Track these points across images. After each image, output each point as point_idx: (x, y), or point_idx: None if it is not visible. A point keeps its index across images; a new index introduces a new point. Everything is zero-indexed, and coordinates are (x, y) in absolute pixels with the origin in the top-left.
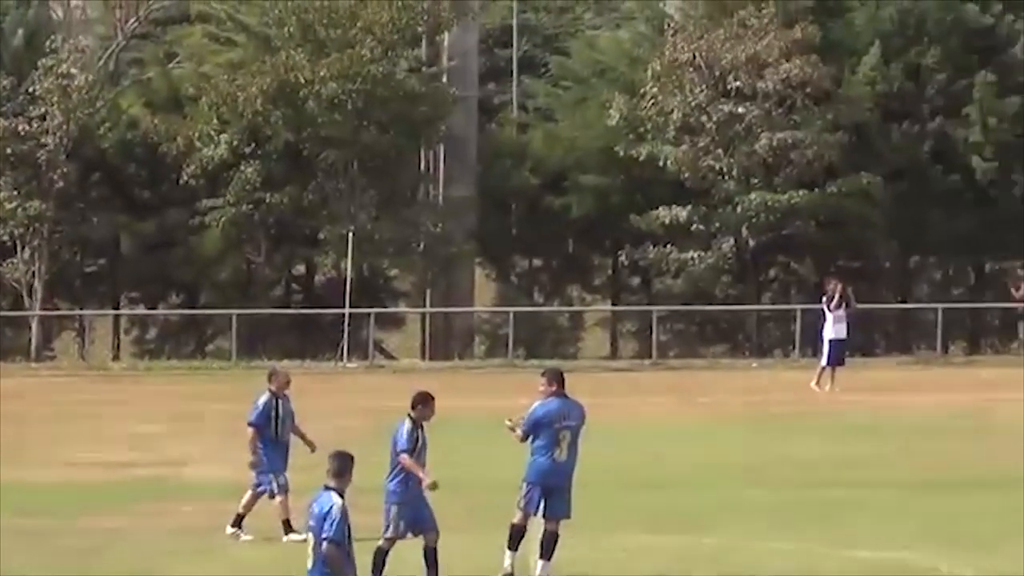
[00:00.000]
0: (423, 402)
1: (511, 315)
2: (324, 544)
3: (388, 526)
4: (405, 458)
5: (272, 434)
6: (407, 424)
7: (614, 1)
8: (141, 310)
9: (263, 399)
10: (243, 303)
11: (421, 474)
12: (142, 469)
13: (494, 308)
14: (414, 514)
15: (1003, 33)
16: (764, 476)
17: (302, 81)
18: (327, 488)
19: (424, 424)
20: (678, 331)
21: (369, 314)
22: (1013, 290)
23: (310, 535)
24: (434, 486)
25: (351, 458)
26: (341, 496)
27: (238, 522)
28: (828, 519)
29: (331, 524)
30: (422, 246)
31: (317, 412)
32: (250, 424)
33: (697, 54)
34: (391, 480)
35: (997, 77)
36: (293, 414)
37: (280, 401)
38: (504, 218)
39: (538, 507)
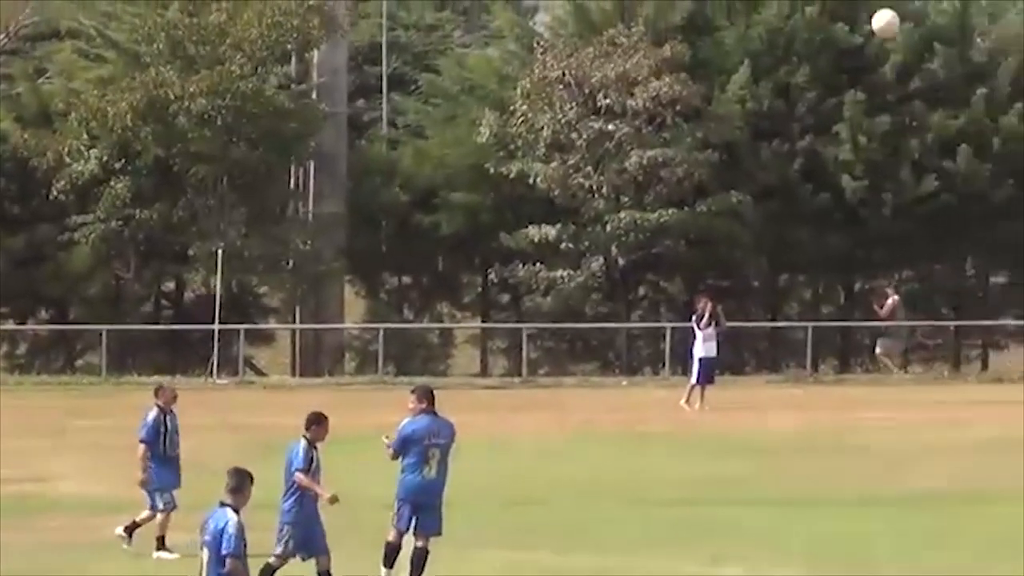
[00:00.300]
0: (317, 422)
1: (381, 332)
2: (228, 561)
3: (279, 544)
4: (301, 476)
5: (161, 450)
6: (302, 443)
7: (484, 19)
8: (10, 325)
9: (152, 415)
10: (113, 319)
11: (319, 490)
12: (11, 485)
13: (364, 325)
14: (305, 535)
15: (872, 52)
16: (634, 494)
17: (172, 97)
18: (223, 504)
19: (318, 444)
20: (548, 349)
21: (239, 330)
22: (877, 307)
23: (205, 550)
24: (334, 499)
25: (249, 476)
26: (237, 512)
27: (130, 529)
28: (698, 537)
29: (228, 540)
30: (291, 263)
31: (188, 428)
32: (141, 440)
33: (567, 72)
34: (286, 500)
35: (867, 96)
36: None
37: (168, 416)
38: (374, 235)
39: (409, 524)
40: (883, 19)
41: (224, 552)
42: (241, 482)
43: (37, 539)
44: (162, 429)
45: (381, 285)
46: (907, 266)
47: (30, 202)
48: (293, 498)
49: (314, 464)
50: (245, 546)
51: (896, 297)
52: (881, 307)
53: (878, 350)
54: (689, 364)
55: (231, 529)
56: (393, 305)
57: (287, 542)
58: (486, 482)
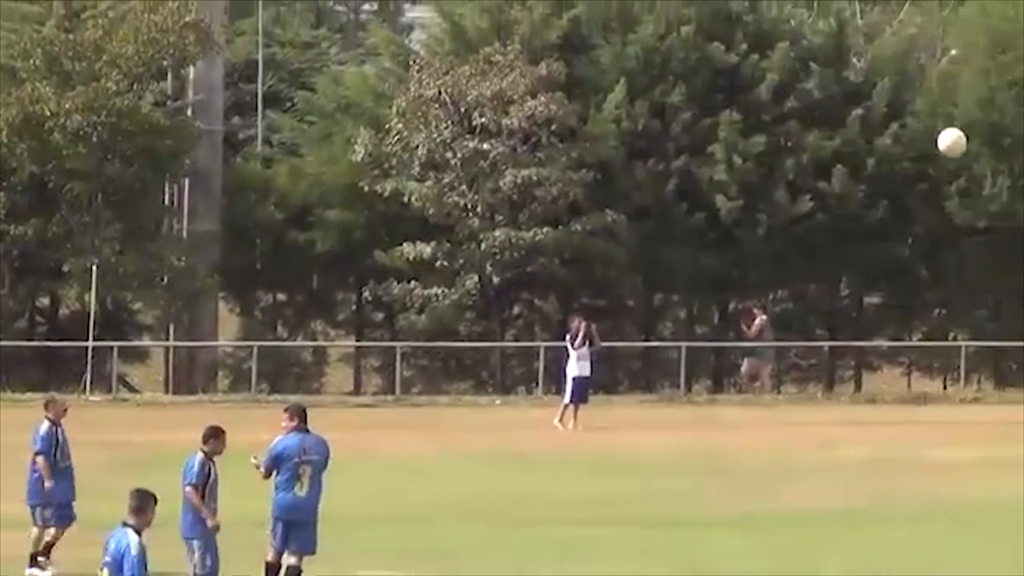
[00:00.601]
0: (214, 436)
1: (255, 349)
2: None
3: (198, 560)
4: (190, 491)
5: (52, 462)
6: (199, 457)
7: (360, 36)
8: None
9: (44, 427)
10: None
11: (205, 511)
12: None
13: (238, 342)
14: (215, 550)
15: (748, 72)
16: (508, 513)
17: (47, 113)
18: (125, 525)
19: (216, 458)
20: (422, 367)
21: (112, 347)
22: (745, 327)
23: (106, 571)
24: (216, 528)
25: (153, 497)
26: (139, 533)
27: (46, 551)
28: (569, 557)
29: (131, 562)
30: (166, 280)
31: None
32: (37, 453)
33: (442, 90)
34: (187, 514)
35: (742, 116)
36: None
37: (59, 429)
38: (248, 252)
39: (285, 542)
40: (949, 138)
41: (127, 575)
42: (143, 503)
43: None
44: (54, 441)
45: (255, 303)
46: (781, 286)
47: None
48: (194, 513)
49: (211, 479)
50: (146, 567)
51: (764, 317)
52: (749, 327)
53: (743, 368)
54: (563, 383)
55: (134, 551)
56: (267, 323)
57: (204, 557)
58: (360, 501)
